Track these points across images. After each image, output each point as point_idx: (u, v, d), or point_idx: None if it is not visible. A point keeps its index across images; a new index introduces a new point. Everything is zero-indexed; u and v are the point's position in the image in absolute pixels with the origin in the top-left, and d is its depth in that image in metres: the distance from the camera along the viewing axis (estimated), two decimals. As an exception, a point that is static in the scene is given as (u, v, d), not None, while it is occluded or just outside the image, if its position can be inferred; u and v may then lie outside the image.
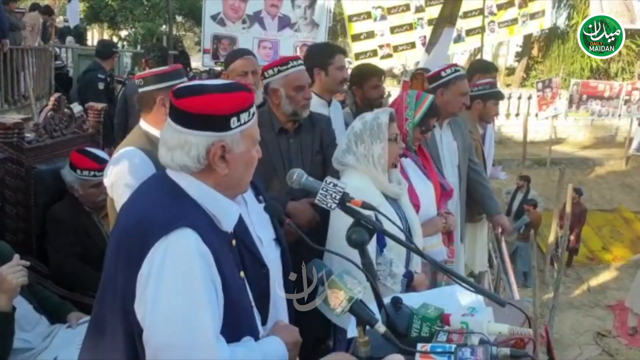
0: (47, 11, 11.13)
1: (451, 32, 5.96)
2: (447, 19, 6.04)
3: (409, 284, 2.64)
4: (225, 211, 1.67)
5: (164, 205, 1.60)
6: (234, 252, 1.73)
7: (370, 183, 2.68)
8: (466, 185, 4.13)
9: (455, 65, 4.35)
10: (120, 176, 2.54)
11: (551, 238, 9.89)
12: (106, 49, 7.19)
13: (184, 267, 1.50)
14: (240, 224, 1.85)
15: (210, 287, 1.54)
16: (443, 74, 3.90)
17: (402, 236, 2.20)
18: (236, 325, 1.66)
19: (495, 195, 4.73)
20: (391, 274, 2.59)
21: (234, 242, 1.74)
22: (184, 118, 1.59)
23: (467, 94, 3.88)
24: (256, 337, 1.74)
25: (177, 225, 1.52)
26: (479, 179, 4.25)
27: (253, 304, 1.79)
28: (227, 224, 1.68)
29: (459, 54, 16.70)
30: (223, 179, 1.63)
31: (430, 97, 3.22)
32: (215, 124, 1.58)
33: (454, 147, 3.93)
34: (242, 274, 1.74)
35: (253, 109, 1.65)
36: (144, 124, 2.73)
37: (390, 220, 2.03)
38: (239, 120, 1.59)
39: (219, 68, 8.22)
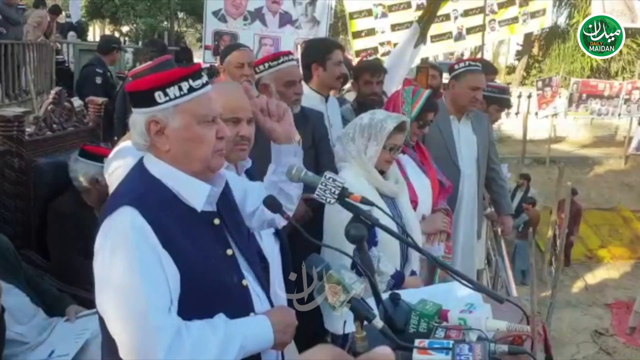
0: (56, 11, 11.10)
1: (418, 50, 5.95)
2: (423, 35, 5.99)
3: (398, 285, 2.58)
4: (189, 188, 1.69)
5: (122, 187, 1.72)
6: (216, 230, 1.75)
7: (365, 181, 2.68)
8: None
9: (473, 59, 4.40)
10: (114, 168, 2.59)
11: (550, 232, 9.90)
12: (107, 44, 7.17)
13: (120, 241, 1.56)
14: (229, 203, 1.85)
15: (150, 259, 1.56)
16: (456, 66, 3.97)
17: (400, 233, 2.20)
18: (211, 303, 1.66)
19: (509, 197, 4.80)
20: (378, 271, 2.57)
21: (216, 221, 1.75)
22: (129, 99, 1.73)
23: (478, 89, 3.88)
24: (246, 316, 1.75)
25: (118, 204, 1.61)
26: (497, 177, 4.29)
27: (248, 283, 1.78)
28: (195, 201, 1.69)
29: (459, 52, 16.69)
30: (168, 155, 1.68)
31: (427, 92, 3.21)
32: (143, 100, 1.66)
33: (473, 141, 3.97)
34: (229, 251, 1.75)
35: (188, 84, 1.65)
36: None
37: (389, 215, 2.03)
38: (165, 94, 1.63)
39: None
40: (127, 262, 1.54)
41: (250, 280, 1.80)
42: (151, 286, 1.54)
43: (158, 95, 1.63)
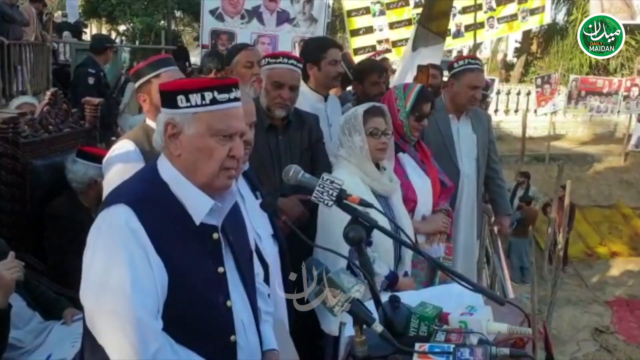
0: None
1: (441, 47, 5.92)
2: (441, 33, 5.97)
3: (392, 285, 2.59)
4: (192, 200, 1.67)
5: (127, 184, 1.71)
6: (213, 245, 1.71)
7: (359, 180, 2.66)
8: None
9: (473, 57, 4.38)
10: (109, 165, 2.63)
11: (549, 230, 9.88)
12: (99, 44, 7.10)
13: (111, 238, 1.57)
14: (237, 221, 1.84)
15: (140, 262, 1.56)
16: (456, 64, 3.92)
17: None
18: (191, 318, 1.64)
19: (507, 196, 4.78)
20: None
21: (215, 235, 1.72)
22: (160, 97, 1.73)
23: (477, 87, 3.85)
24: (226, 340, 1.72)
25: (116, 201, 1.61)
26: (496, 177, 4.26)
27: (233, 305, 1.74)
28: (196, 214, 1.67)
29: (457, 50, 16.67)
30: (179, 161, 1.67)
31: (419, 85, 3.20)
32: (166, 101, 1.67)
33: (472, 140, 3.94)
34: (220, 269, 1.72)
35: (212, 95, 1.64)
36: (147, 118, 2.79)
37: (387, 217, 2.01)
38: (187, 100, 1.63)
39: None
40: (117, 260, 1.55)
41: (236, 303, 1.75)
42: (139, 287, 1.54)
43: (180, 99, 1.64)
